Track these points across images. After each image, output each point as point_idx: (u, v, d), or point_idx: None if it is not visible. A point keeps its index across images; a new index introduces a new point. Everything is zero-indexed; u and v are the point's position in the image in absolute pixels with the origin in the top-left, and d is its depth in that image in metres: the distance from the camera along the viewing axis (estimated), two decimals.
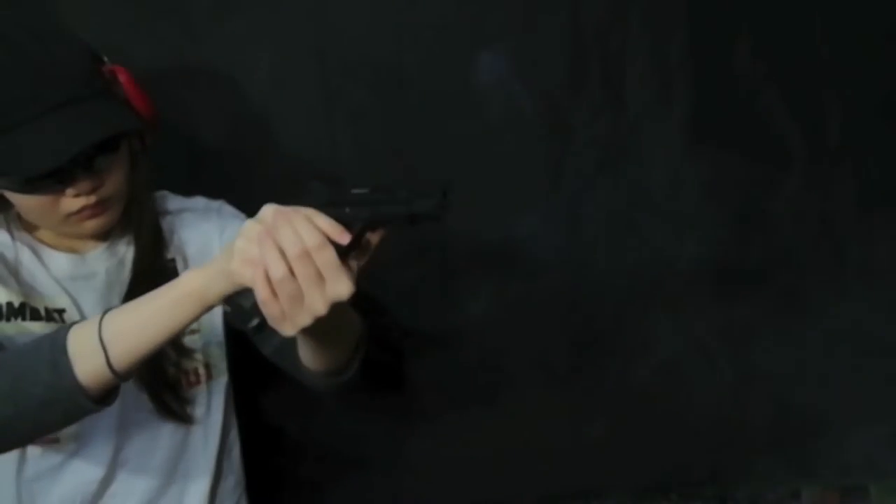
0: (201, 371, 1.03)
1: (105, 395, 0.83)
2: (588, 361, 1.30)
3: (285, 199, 1.18)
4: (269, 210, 0.76)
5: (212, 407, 1.05)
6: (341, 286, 0.73)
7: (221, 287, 0.77)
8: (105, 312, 0.81)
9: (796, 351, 1.29)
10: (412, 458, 1.31)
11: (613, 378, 1.30)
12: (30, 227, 0.98)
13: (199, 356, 1.03)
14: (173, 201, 1.08)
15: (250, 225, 0.75)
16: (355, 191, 0.77)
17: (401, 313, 1.27)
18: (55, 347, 0.80)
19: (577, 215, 1.26)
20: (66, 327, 0.82)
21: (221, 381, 1.06)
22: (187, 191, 1.10)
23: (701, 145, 1.24)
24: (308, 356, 0.93)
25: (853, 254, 1.27)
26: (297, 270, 0.72)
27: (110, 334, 0.79)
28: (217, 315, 1.05)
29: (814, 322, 1.29)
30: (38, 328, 0.93)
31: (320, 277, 0.73)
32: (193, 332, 1.03)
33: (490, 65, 1.22)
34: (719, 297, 1.29)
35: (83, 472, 0.98)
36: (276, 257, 0.72)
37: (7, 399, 0.81)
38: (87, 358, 0.79)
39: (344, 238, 0.74)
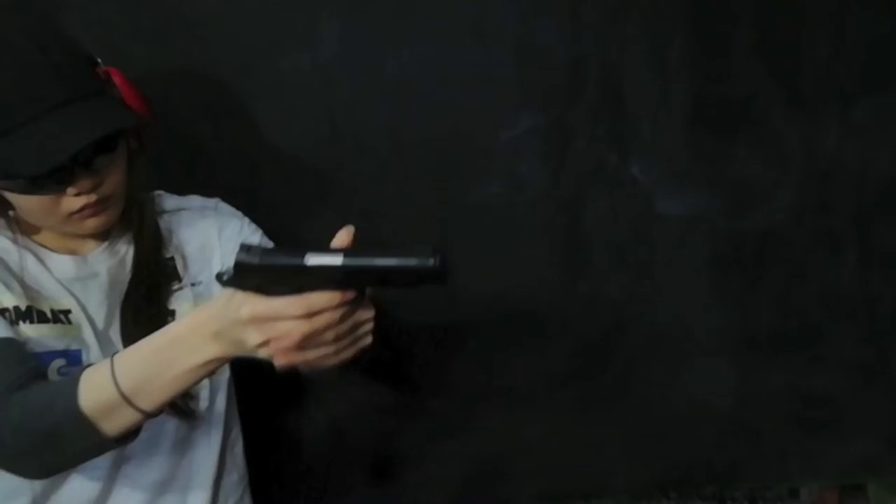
0: None
1: (136, 430, 0.86)
2: (588, 361, 1.30)
3: (285, 199, 1.19)
4: (250, 319, 0.75)
5: (215, 402, 1.06)
6: (367, 340, 0.80)
7: (245, 356, 0.80)
8: (114, 369, 0.81)
9: (795, 350, 1.30)
10: (412, 458, 1.31)
11: (613, 378, 1.30)
12: (30, 231, 0.99)
13: None
14: (170, 200, 1.09)
15: (253, 336, 0.76)
16: (315, 260, 0.71)
17: (401, 313, 1.27)
18: (71, 414, 0.81)
19: (577, 215, 1.26)
20: (68, 390, 0.82)
21: (224, 376, 1.08)
22: (186, 191, 1.10)
23: (701, 145, 1.24)
24: None
25: (853, 253, 1.27)
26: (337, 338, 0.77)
27: (137, 396, 0.81)
28: None
29: (813, 321, 1.29)
30: (45, 330, 0.94)
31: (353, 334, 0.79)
32: None
33: (490, 65, 1.22)
34: (719, 296, 1.29)
35: (87, 469, 0.98)
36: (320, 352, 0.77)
37: (42, 455, 0.85)
38: (115, 416, 0.82)
39: (349, 296, 0.75)
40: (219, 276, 0.76)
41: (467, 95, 1.22)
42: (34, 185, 0.89)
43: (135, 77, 0.98)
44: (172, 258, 1.04)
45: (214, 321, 0.78)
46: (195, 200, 1.10)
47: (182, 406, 1.02)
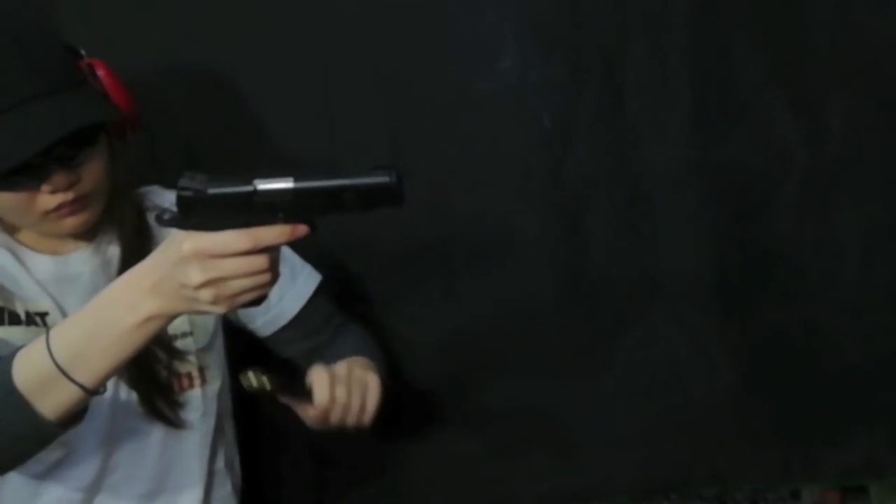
0: (195, 375, 1.02)
1: (78, 414, 0.81)
2: (587, 361, 1.30)
3: None
4: (193, 254, 0.71)
5: (206, 413, 1.03)
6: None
7: (186, 311, 0.76)
8: (49, 340, 0.77)
9: (796, 351, 1.29)
10: (411, 459, 1.31)
11: (613, 378, 1.30)
12: (10, 230, 0.96)
13: (192, 359, 1.01)
14: (164, 196, 1.05)
15: (195, 274, 0.71)
16: (265, 185, 0.68)
17: (400, 314, 1.27)
18: (5, 391, 0.77)
19: (577, 215, 1.26)
20: (3, 368, 0.78)
21: (216, 385, 1.04)
22: None
23: (701, 145, 1.24)
24: None
25: (853, 254, 1.27)
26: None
27: (74, 367, 0.76)
28: (210, 319, 1.03)
29: (813, 322, 1.28)
30: (17, 333, 0.91)
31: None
32: (186, 335, 1.01)
33: (490, 65, 1.22)
34: (719, 297, 1.28)
35: (70, 479, 0.96)
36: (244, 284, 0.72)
37: None
38: (52, 391, 0.77)
39: (300, 231, 0.71)
40: (159, 216, 0.71)
41: (466, 95, 1.22)
42: (6, 181, 0.85)
43: (132, 75, 0.97)
44: None
45: (153, 272, 0.73)
46: None
47: (170, 415, 0.99)
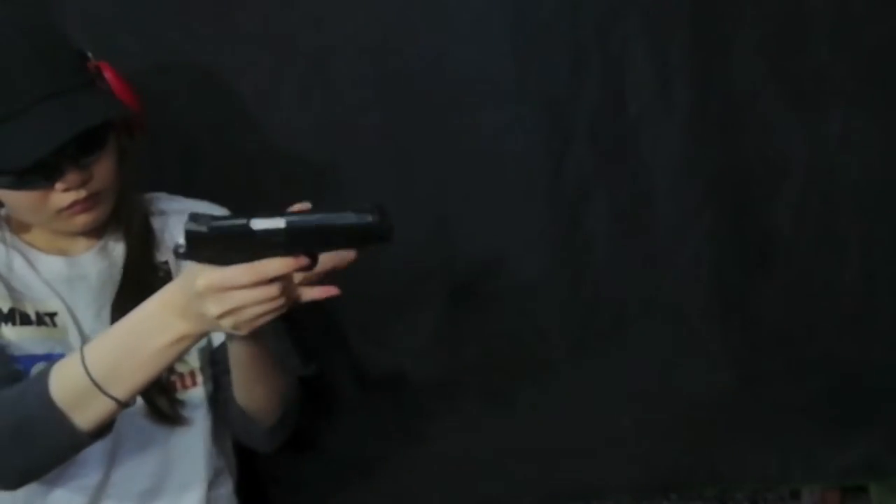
0: (197, 374, 1.03)
1: (109, 425, 0.86)
2: (588, 361, 1.30)
3: (284, 199, 1.19)
4: (206, 289, 0.76)
5: (207, 411, 1.04)
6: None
7: (213, 331, 0.82)
8: (84, 356, 0.81)
9: (796, 351, 1.29)
10: (411, 459, 1.31)
11: (613, 378, 1.30)
12: (20, 230, 0.98)
13: (194, 359, 1.03)
14: (169, 202, 1.07)
15: (212, 307, 0.76)
16: (261, 224, 0.73)
17: (401, 312, 1.27)
18: (43, 405, 0.81)
19: (577, 215, 1.26)
20: (40, 382, 0.82)
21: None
22: (185, 191, 1.10)
23: (701, 145, 1.24)
24: (241, 393, 1.00)
25: (853, 254, 1.27)
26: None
27: (109, 382, 0.81)
28: None
29: (814, 322, 1.28)
30: (28, 333, 0.93)
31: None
32: None
33: (490, 65, 1.22)
34: (719, 296, 1.29)
35: (77, 477, 0.97)
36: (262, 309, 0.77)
37: (13, 452, 0.84)
38: (88, 405, 0.81)
39: (302, 262, 0.75)
40: (175, 250, 0.76)
41: (467, 95, 1.22)
42: (21, 180, 0.88)
43: (132, 75, 0.98)
44: (167, 262, 1.02)
45: (180, 297, 0.78)
46: (200, 205, 1.08)
47: (171, 413, 1.00)
